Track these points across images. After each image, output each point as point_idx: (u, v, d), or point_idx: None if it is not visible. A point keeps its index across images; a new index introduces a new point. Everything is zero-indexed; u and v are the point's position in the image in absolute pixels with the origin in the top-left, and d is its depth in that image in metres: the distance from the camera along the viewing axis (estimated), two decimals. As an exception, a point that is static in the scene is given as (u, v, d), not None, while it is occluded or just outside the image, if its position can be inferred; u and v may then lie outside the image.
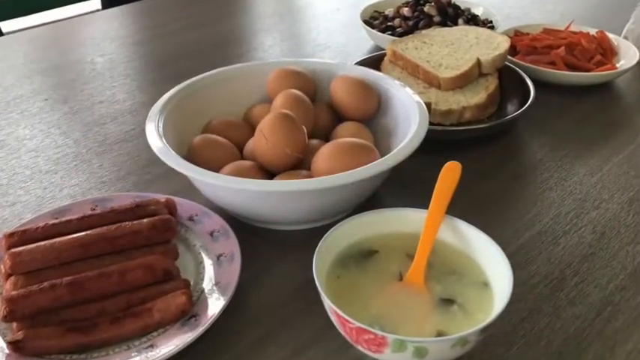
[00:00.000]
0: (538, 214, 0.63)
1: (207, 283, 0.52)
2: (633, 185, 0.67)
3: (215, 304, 0.49)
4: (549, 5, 1.19)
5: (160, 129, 0.59)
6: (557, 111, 0.81)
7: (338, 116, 0.67)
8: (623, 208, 0.64)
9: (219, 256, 0.54)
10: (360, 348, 0.43)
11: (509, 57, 0.83)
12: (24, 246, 0.51)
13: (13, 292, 0.48)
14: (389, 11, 1.00)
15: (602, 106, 0.84)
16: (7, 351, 0.46)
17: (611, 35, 0.93)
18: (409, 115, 0.62)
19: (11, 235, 0.53)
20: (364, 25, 0.97)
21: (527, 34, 0.94)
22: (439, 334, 0.43)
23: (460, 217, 0.50)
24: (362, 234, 0.50)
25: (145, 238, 0.53)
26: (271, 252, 0.58)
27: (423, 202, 0.51)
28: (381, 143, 0.64)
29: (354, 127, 0.64)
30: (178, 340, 0.46)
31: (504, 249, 0.47)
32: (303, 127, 0.60)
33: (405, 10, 0.97)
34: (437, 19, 0.94)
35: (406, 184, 0.63)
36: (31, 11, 1.40)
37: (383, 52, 0.85)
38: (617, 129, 0.79)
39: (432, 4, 0.96)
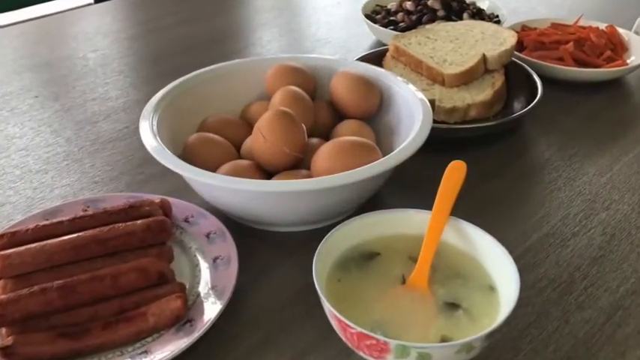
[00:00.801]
0: (546, 215, 0.62)
1: (203, 287, 0.51)
2: (644, 185, 0.67)
3: (211, 309, 0.49)
4: (557, -1, 1.18)
5: (155, 127, 0.59)
6: (566, 108, 0.81)
7: (338, 114, 0.67)
8: (633, 209, 0.63)
9: (215, 259, 0.54)
10: (361, 354, 0.43)
11: (515, 53, 0.83)
12: (13, 248, 0.51)
13: (3, 296, 0.47)
14: (391, 5, 1.00)
15: (611, 104, 0.83)
16: (-4, 357, 0.45)
17: (621, 30, 0.92)
18: (412, 113, 0.62)
19: (0, 237, 0.52)
20: (366, 19, 0.97)
21: (535, 28, 0.94)
22: (443, 339, 0.43)
23: (465, 219, 0.50)
24: (363, 236, 0.50)
25: (138, 240, 0.52)
26: (270, 254, 0.57)
27: (426, 202, 0.50)
28: (383, 142, 0.64)
29: (355, 125, 0.64)
30: (173, 345, 0.46)
31: (511, 251, 0.46)
32: (303, 125, 0.60)
33: (408, 4, 0.96)
34: (441, 13, 0.94)
35: (409, 184, 0.63)
36: (21, 5, 1.40)
37: (385, 47, 0.85)
38: (628, 127, 0.78)
39: (436, -2, 0.95)
